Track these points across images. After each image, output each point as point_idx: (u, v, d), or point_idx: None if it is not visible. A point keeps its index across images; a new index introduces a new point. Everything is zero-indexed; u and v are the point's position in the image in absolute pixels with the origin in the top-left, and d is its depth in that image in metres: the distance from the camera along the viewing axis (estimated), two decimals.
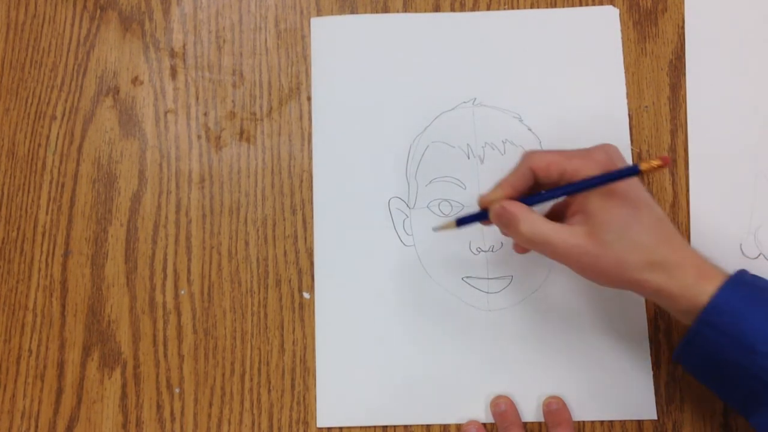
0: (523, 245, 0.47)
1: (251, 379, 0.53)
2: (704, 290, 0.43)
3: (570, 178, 0.45)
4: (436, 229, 0.51)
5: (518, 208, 0.46)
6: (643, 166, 0.41)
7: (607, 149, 0.46)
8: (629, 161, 0.44)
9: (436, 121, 0.56)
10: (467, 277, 0.53)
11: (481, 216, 0.48)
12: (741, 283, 0.43)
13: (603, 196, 0.44)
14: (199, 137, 0.57)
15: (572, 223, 0.45)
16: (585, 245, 0.44)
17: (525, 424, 0.51)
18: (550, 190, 0.46)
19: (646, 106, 0.56)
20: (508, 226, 0.46)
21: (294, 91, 0.57)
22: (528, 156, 0.47)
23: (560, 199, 0.48)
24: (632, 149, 0.55)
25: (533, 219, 0.45)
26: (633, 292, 0.45)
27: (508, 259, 0.53)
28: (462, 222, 0.49)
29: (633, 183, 0.45)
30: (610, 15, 0.57)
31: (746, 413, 0.44)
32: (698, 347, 0.44)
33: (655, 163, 0.40)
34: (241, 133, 0.57)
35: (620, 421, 0.51)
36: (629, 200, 0.44)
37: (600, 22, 0.57)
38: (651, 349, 0.52)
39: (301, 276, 0.54)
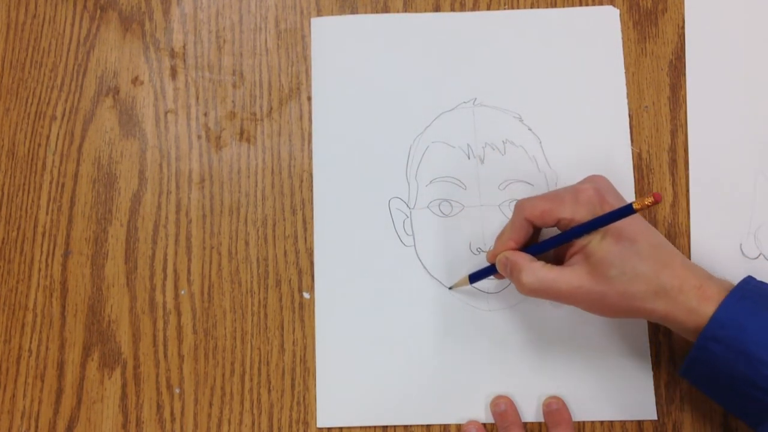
0: (526, 294, 0.47)
1: (251, 379, 0.53)
2: (708, 312, 0.43)
3: (567, 224, 0.46)
4: (452, 288, 0.53)
5: (519, 257, 0.47)
6: (636, 205, 0.42)
7: (596, 184, 0.47)
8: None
9: (437, 121, 0.56)
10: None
11: (492, 270, 0.50)
12: (743, 294, 0.43)
13: (599, 234, 0.45)
14: (199, 137, 0.57)
15: (573, 264, 0.46)
16: (589, 285, 0.45)
17: (525, 424, 0.51)
18: (552, 238, 0.47)
19: (646, 106, 0.56)
20: (510, 275, 0.48)
21: (294, 91, 0.57)
22: (520, 207, 0.48)
23: None
24: (632, 149, 0.55)
25: (535, 267, 0.46)
26: (643, 318, 0.46)
27: None
28: (474, 277, 0.51)
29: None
30: (611, 15, 0.57)
31: (754, 424, 0.44)
32: (704, 363, 0.44)
33: (647, 200, 0.41)
34: (241, 133, 0.57)
35: (620, 421, 0.51)
36: (625, 233, 0.45)
37: (600, 22, 0.57)
38: (651, 349, 0.52)
39: (301, 276, 0.54)
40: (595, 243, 0.45)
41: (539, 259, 0.47)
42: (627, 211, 0.43)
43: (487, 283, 0.53)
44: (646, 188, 0.55)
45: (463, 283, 0.52)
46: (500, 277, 0.51)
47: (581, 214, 0.46)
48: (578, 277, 0.45)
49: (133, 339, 0.54)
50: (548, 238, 0.48)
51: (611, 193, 0.47)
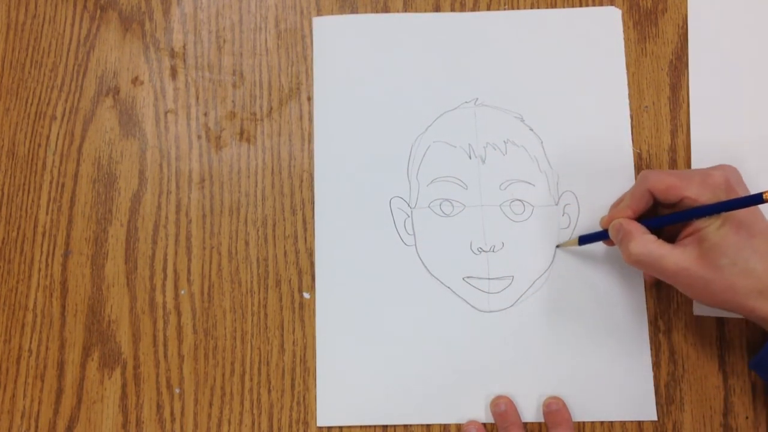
0: (631, 264, 0.47)
1: (251, 379, 0.53)
2: None
3: (689, 204, 0.46)
4: (559, 246, 0.53)
5: (634, 227, 0.47)
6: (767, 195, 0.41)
7: (726, 171, 0.46)
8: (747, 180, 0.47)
9: (438, 120, 0.56)
10: (468, 277, 0.53)
11: (603, 236, 0.50)
12: None
13: (719, 221, 0.45)
14: (199, 137, 0.57)
15: (684, 245, 0.46)
16: (696, 268, 0.45)
17: (525, 424, 0.51)
18: (671, 215, 0.47)
19: (646, 106, 0.56)
20: (620, 243, 0.47)
21: (294, 91, 0.57)
22: (645, 177, 0.48)
23: None
24: (633, 150, 0.55)
25: (646, 239, 0.46)
26: (741, 315, 0.45)
27: (509, 260, 0.53)
28: (585, 240, 0.51)
29: (751, 208, 0.45)
30: (613, 16, 0.57)
31: None
32: None
33: None
34: (241, 133, 0.57)
35: (620, 421, 0.51)
36: (745, 226, 0.44)
37: (602, 22, 0.57)
38: (651, 349, 0.52)
39: (301, 276, 0.54)
40: (713, 228, 0.45)
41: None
42: (756, 199, 0.42)
43: (488, 283, 0.53)
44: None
45: (572, 244, 0.52)
46: (610, 243, 0.51)
47: (706, 196, 0.45)
48: (687, 259, 0.45)
49: (133, 339, 0.53)
50: (668, 214, 0.47)
51: (741, 185, 0.47)
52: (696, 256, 0.45)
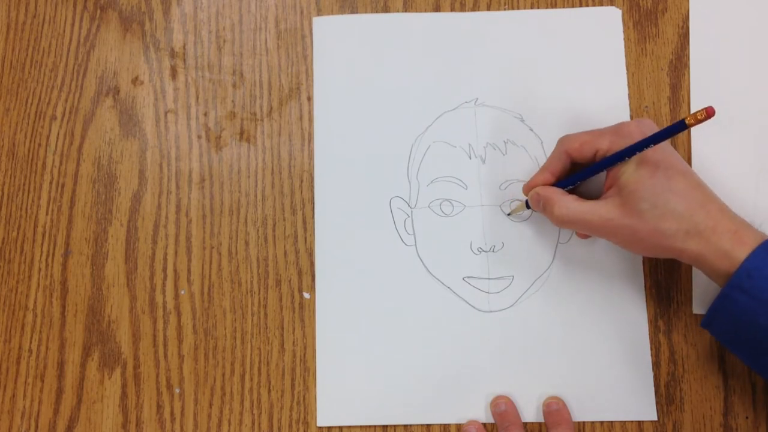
0: (560, 227, 0.48)
1: (251, 379, 0.53)
2: (741, 256, 0.42)
3: (604, 156, 0.46)
4: (509, 214, 0.54)
5: (551, 193, 0.48)
6: (690, 120, 0.39)
7: (641, 123, 0.47)
8: None
9: (438, 120, 0.56)
10: (468, 277, 0.53)
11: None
12: None
13: (635, 166, 0.45)
14: (199, 137, 0.57)
15: (607, 197, 0.46)
16: (619, 217, 0.45)
17: (525, 424, 0.51)
18: (585, 169, 0.48)
19: (646, 106, 0.56)
20: (543, 210, 0.48)
21: (294, 91, 0.57)
22: (562, 140, 0.49)
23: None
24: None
25: (566, 201, 0.47)
26: (675, 258, 0.45)
27: (509, 260, 0.54)
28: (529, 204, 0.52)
29: (666, 151, 0.45)
30: (613, 16, 0.57)
31: None
32: (728, 312, 0.43)
33: (700, 115, 0.38)
34: (242, 133, 0.57)
35: (620, 421, 0.51)
36: (661, 168, 0.44)
37: (602, 22, 0.57)
38: (651, 349, 0.52)
39: (301, 276, 0.54)
40: (629, 174, 0.45)
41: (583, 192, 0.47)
42: (679, 127, 0.41)
43: (488, 283, 0.53)
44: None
45: (520, 209, 0.53)
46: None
47: (619, 145, 0.46)
48: (610, 210, 0.45)
49: (133, 339, 0.53)
50: (582, 169, 0.48)
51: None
52: (617, 205, 0.45)
